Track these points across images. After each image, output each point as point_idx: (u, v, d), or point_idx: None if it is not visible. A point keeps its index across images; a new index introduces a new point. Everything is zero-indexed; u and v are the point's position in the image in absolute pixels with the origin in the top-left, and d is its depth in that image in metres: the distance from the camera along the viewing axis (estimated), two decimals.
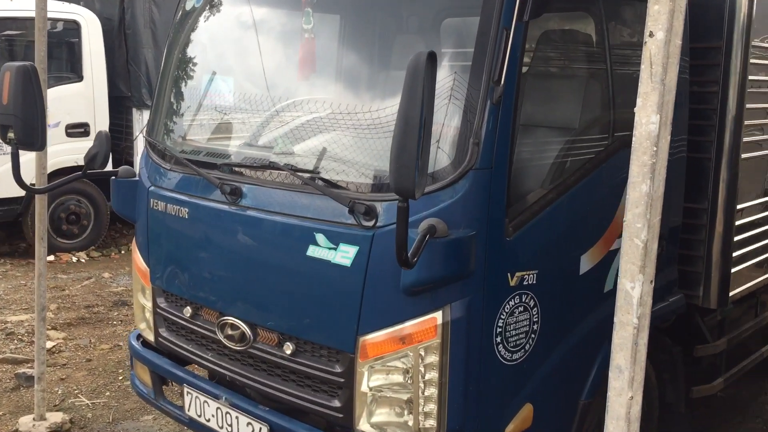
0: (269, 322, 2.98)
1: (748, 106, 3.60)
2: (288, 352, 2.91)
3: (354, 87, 3.19)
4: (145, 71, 8.73)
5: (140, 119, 8.83)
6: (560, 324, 2.95)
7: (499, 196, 2.59)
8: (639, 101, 1.61)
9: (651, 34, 1.54)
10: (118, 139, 8.80)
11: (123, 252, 8.81)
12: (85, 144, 9.16)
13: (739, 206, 3.72)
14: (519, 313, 2.73)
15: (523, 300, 2.74)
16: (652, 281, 1.67)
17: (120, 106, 8.89)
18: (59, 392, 4.87)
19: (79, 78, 8.46)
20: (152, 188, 3.47)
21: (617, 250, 3.11)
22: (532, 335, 2.80)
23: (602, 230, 3.06)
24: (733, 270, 3.74)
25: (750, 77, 3.58)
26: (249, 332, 3.04)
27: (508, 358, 2.72)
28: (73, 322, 6.15)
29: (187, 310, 3.33)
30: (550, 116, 3.08)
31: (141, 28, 8.67)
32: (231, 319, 3.10)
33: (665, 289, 3.50)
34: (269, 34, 3.46)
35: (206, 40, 3.63)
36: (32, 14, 8.51)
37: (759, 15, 3.56)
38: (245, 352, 3.08)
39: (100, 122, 8.57)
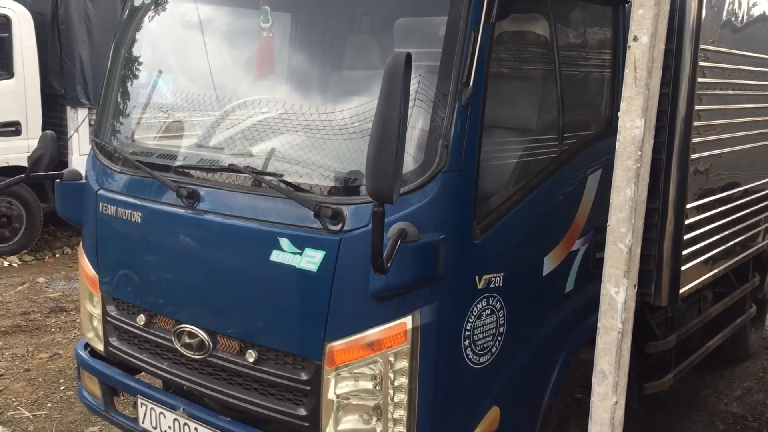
0: (230, 330, 2.89)
1: (697, 107, 3.69)
2: (250, 360, 2.82)
3: (317, 87, 3.13)
4: (80, 68, 8.43)
5: (74, 117, 8.53)
6: (525, 326, 2.95)
7: (467, 198, 2.58)
8: (623, 105, 1.61)
9: (635, 39, 1.54)
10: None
11: (57, 256, 8.49)
12: (16, 143, 8.85)
13: (688, 205, 3.81)
14: (486, 316, 2.72)
15: (490, 303, 2.73)
16: (635, 285, 1.68)
17: (53, 103, 8.55)
18: None
19: (10, 75, 8.10)
20: (101, 191, 3.33)
21: (577, 251, 3.18)
22: (498, 338, 2.80)
23: (564, 231, 3.08)
24: (682, 268, 3.83)
25: (699, 80, 3.66)
26: (208, 340, 2.94)
27: (475, 361, 2.71)
28: (9, 330, 5.88)
29: (141, 318, 3.20)
30: (509, 118, 3.08)
31: (75, 23, 8.35)
32: (188, 327, 2.99)
33: None
34: (224, 31, 3.37)
35: (156, 38, 3.49)
36: None
37: (708, 18, 3.65)
38: (204, 361, 2.98)
39: (32, 120, 8.23)
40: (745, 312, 5.25)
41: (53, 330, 6.02)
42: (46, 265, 8.11)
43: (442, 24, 2.88)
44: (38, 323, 6.14)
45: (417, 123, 2.55)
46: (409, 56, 2.07)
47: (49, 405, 4.70)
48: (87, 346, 3.59)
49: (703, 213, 3.99)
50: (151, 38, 3.51)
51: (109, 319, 3.37)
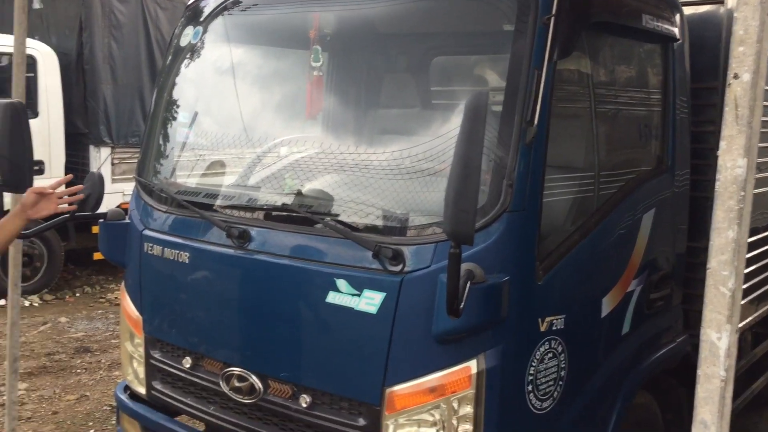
0: (282, 373, 2.82)
1: None
2: (304, 405, 2.75)
3: (372, 126, 3.11)
4: (104, 107, 8.48)
5: (97, 156, 8.55)
6: (584, 369, 2.88)
7: (530, 239, 2.53)
8: (723, 144, 1.57)
9: (736, 76, 1.51)
10: (74, 177, 8.47)
11: (78, 295, 8.44)
12: (39, 182, 8.84)
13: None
14: (548, 359, 2.65)
15: (552, 346, 2.66)
16: (737, 331, 1.62)
17: (77, 143, 8.59)
18: None
19: (35, 114, 8.14)
20: (146, 231, 3.29)
21: (633, 292, 3.11)
22: (560, 382, 2.72)
23: (621, 271, 3.02)
24: None
25: None
26: (259, 384, 2.87)
27: (538, 406, 2.63)
28: (35, 372, 5.80)
29: (187, 361, 3.13)
30: (565, 156, 3.04)
31: (100, 63, 8.43)
32: (238, 370, 2.92)
33: (673, 329, 3.48)
34: (272, 71, 3.36)
35: (203, 77, 3.49)
36: None
37: None
38: (254, 405, 2.91)
39: (56, 160, 8.25)
40: None
41: (79, 371, 5.94)
42: (66, 305, 8.06)
43: (497, 62, 2.89)
44: (63, 364, 6.06)
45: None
46: (488, 95, 2.04)
47: None
48: (127, 388, 3.52)
49: (751, 251, 3.93)
50: (197, 77, 3.50)
51: (152, 361, 3.30)
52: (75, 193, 3.06)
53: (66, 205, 3.00)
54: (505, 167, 2.45)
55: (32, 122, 8.66)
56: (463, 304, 2.20)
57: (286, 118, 3.29)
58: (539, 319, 2.59)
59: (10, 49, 7.70)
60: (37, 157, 8.22)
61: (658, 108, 3.36)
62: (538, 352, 2.60)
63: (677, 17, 3.35)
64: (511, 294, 2.46)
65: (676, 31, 3.32)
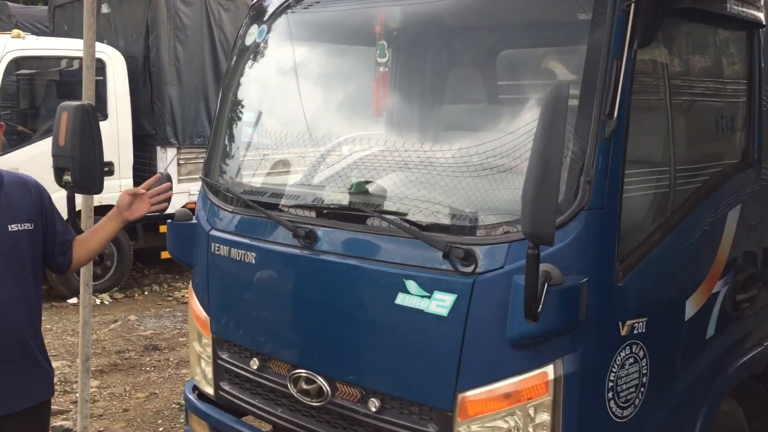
0: (350, 376, 2.77)
1: None
2: (373, 409, 2.68)
3: (440, 122, 3.02)
4: (170, 109, 8.61)
5: (164, 157, 8.69)
6: (667, 375, 2.73)
7: (610, 238, 2.40)
8: None
9: None
10: (141, 177, 8.65)
11: (146, 293, 8.60)
12: (109, 183, 8.98)
13: None
14: (629, 365, 2.51)
15: (633, 351, 2.52)
16: None
17: (144, 144, 8.75)
18: None
19: (104, 117, 8.32)
20: (212, 232, 3.28)
21: (718, 293, 2.94)
22: (642, 389, 2.58)
23: (705, 271, 2.86)
24: None
25: None
26: (327, 387, 2.82)
27: (618, 414, 2.50)
28: (106, 369, 5.92)
29: (254, 362, 3.11)
30: (644, 150, 2.89)
31: (166, 65, 8.56)
32: (306, 373, 2.88)
33: (760, 332, 3.29)
34: (338, 68, 3.31)
35: (268, 76, 3.47)
36: (50, 53, 8.54)
37: None
38: (322, 408, 2.86)
39: (124, 161, 8.42)
40: None
41: (148, 369, 6.03)
42: (136, 303, 8.22)
43: (570, 54, 2.76)
44: (133, 362, 6.17)
45: None
46: (568, 87, 1.93)
47: None
48: (195, 388, 3.53)
49: None
50: (262, 76, 3.48)
51: (220, 362, 3.29)
52: (165, 191, 3.04)
53: (158, 204, 2.99)
54: (582, 163, 2.33)
55: (102, 124, 8.87)
56: (540, 307, 2.09)
57: (352, 115, 3.24)
58: (619, 323, 2.46)
59: (78, 53, 7.94)
60: (106, 158, 8.40)
61: (743, 98, 3.18)
62: (618, 357, 2.47)
63: (762, 1, 3.16)
64: (590, 296, 2.34)
65: (761, 16, 3.13)
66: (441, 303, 2.47)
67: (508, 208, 2.51)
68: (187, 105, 8.74)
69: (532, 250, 2.02)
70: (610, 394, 2.45)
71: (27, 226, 2.68)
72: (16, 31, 8.22)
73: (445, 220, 2.58)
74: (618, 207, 2.40)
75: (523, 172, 2.47)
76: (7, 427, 2.64)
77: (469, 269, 2.43)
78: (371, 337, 2.70)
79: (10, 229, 2.63)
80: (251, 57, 3.47)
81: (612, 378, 2.45)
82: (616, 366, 2.46)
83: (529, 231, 2.00)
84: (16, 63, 7.91)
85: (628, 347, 2.50)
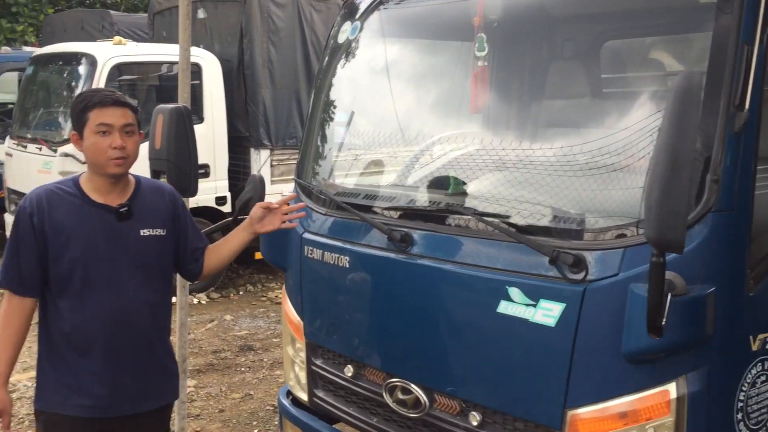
0: (449, 388, 2.63)
1: None
2: (474, 423, 2.54)
3: (545, 118, 2.84)
4: (263, 111, 8.69)
5: (258, 159, 8.78)
6: None
7: (740, 243, 2.17)
8: None
9: None
10: (236, 179, 8.78)
11: (241, 293, 8.71)
12: (204, 185, 9.20)
13: None
14: (762, 383, 2.27)
15: (766, 367, 2.28)
16: None
17: (238, 146, 8.86)
18: None
19: (200, 120, 8.48)
20: (305, 234, 3.21)
21: None
22: None
23: None
24: None
25: None
26: (424, 398, 2.69)
27: None
28: (202, 369, 5.99)
29: (348, 369, 3.02)
30: None
31: (259, 68, 8.64)
32: (402, 382, 2.76)
33: None
34: (433, 64, 3.18)
35: (361, 74, 3.37)
36: (149, 59, 8.78)
37: None
38: (420, 420, 2.73)
39: (220, 163, 8.56)
40: None
41: (243, 369, 6.08)
42: (231, 303, 8.34)
43: (689, 42, 2.53)
44: (229, 362, 6.23)
45: None
46: (701, 76, 1.73)
47: None
48: (289, 393, 3.47)
49: None
50: (355, 74, 3.38)
51: (313, 368, 3.22)
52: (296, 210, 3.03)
53: (290, 222, 2.98)
54: (709, 160, 2.10)
55: (198, 127, 9.04)
56: (664, 320, 1.89)
57: (447, 113, 3.10)
58: (750, 337, 2.23)
59: (176, 58, 8.13)
60: (202, 160, 8.56)
61: None
62: (749, 375, 2.23)
63: None
64: (718, 308, 2.12)
65: None
66: (548, 312, 2.30)
67: (620, 209, 2.31)
68: (279, 107, 8.81)
69: (656, 257, 1.82)
70: (739, 415, 2.22)
71: (159, 231, 2.74)
72: (117, 38, 8.49)
73: (551, 224, 2.40)
74: (749, 208, 2.17)
75: (636, 171, 2.28)
76: (137, 423, 2.75)
77: (579, 276, 2.24)
78: (471, 346, 2.55)
79: (142, 234, 2.69)
80: (344, 55, 3.38)
81: (742, 397, 2.22)
82: (746, 384, 2.22)
83: (655, 236, 1.80)
84: (118, 69, 8.15)
85: (759, 363, 2.25)
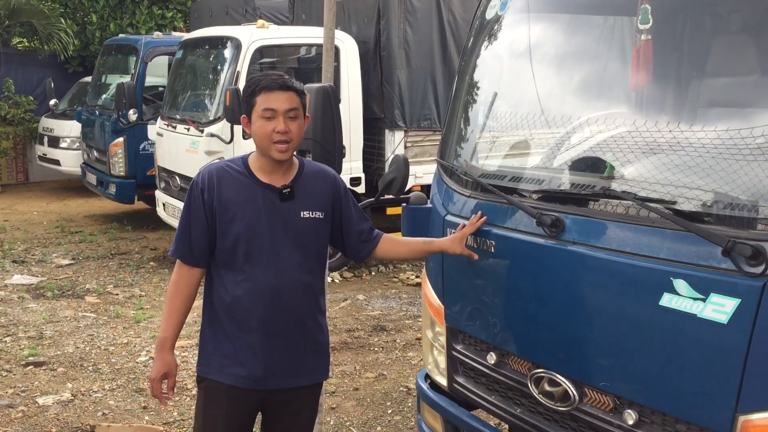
0: (602, 383, 2.48)
1: None
2: (629, 422, 2.38)
3: (712, 97, 2.61)
4: (398, 92, 8.68)
5: (392, 140, 8.79)
6: None
7: None
8: None
9: None
10: (369, 160, 8.85)
11: (373, 273, 8.79)
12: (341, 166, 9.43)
13: None
14: None
15: None
16: None
17: (372, 127, 8.91)
18: (331, 423, 4.74)
19: (338, 101, 8.58)
20: (448, 216, 3.13)
21: None
22: None
23: None
24: None
25: None
26: (573, 391, 2.56)
27: None
28: (337, 347, 6.09)
29: (491, 357, 2.93)
30: None
31: (396, 49, 8.63)
32: (549, 373, 2.64)
33: None
34: (590, 38, 2.99)
35: (511, 51, 3.23)
36: (290, 41, 8.97)
37: None
38: (567, 414, 2.60)
39: (355, 144, 8.64)
40: None
41: (376, 349, 6.12)
42: (363, 282, 8.44)
43: None
44: (362, 341, 6.29)
45: None
46: None
47: (378, 429, 4.68)
48: (427, 377, 3.43)
49: None
50: (504, 51, 3.25)
51: (454, 353, 3.15)
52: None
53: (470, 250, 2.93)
54: None
55: None
56: None
57: (605, 91, 2.90)
58: None
59: (316, 40, 8.24)
60: None
61: None
62: None
63: None
64: None
65: None
66: (719, 308, 2.10)
67: None
68: (415, 88, 8.77)
69: None
70: None
71: (318, 214, 2.79)
72: (260, 22, 8.72)
73: (725, 211, 2.19)
74: None
75: None
76: (287, 398, 2.85)
77: (758, 270, 2.03)
78: (628, 341, 2.38)
79: (302, 215, 2.76)
80: (491, 33, 3.25)
81: None
82: None
83: None
84: (260, 52, 8.39)
85: None
